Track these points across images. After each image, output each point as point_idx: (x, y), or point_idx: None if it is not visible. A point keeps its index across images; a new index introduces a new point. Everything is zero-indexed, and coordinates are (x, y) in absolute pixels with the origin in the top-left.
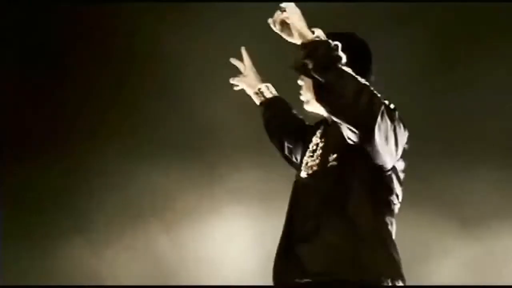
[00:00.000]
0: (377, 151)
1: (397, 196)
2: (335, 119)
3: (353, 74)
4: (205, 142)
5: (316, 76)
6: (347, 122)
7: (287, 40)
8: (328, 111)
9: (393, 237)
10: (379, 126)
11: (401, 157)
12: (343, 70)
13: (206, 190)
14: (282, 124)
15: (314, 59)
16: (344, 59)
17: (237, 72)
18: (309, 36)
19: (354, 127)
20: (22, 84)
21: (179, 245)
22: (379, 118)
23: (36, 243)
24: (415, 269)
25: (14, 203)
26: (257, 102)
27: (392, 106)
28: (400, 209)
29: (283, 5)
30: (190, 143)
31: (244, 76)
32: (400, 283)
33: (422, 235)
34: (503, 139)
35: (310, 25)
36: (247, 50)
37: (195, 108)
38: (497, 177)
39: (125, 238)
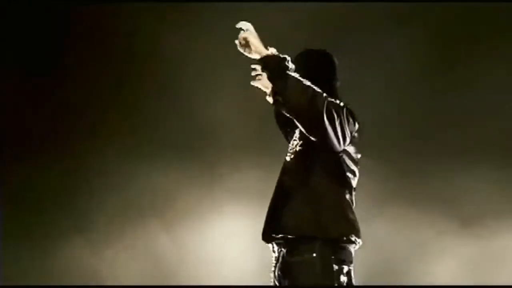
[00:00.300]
0: (322, 139)
1: (352, 172)
2: (289, 116)
3: (301, 80)
4: (205, 142)
5: (272, 84)
6: (297, 120)
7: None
8: (283, 111)
9: (352, 204)
10: (321, 122)
11: (353, 143)
12: (290, 78)
13: (206, 190)
14: (288, 119)
15: (268, 70)
16: (292, 68)
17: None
18: (263, 52)
19: (301, 124)
20: (22, 84)
21: (179, 245)
22: (323, 115)
23: (36, 242)
24: (414, 267)
25: (14, 203)
26: (271, 101)
27: (341, 104)
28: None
29: (240, 25)
30: (190, 143)
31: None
32: (356, 239)
33: (421, 234)
34: (502, 139)
35: (311, 25)
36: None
37: (195, 108)
38: (496, 177)
39: (125, 237)
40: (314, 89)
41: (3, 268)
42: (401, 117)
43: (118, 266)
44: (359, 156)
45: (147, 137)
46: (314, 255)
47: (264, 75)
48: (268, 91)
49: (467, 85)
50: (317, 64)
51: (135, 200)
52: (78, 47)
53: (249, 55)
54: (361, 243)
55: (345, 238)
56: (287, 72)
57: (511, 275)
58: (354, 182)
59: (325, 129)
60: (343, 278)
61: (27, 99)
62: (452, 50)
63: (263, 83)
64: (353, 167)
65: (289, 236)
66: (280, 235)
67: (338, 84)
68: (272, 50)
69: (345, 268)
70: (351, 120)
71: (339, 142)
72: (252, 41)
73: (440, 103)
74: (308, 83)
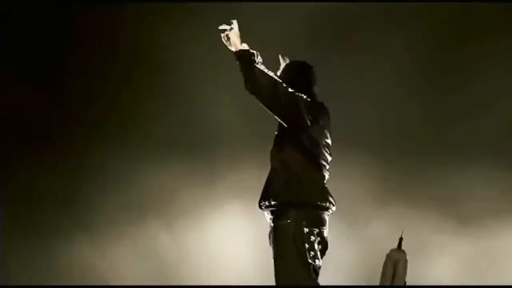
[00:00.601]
0: (284, 121)
1: (319, 152)
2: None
3: (265, 72)
4: (205, 142)
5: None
6: (262, 103)
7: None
8: (253, 94)
9: (323, 178)
10: (279, 106)
11: (315, 128)
12: (256, 69)
13: (206, 189)
14: None
15: (239, 62)
16: (259, 62)
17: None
18: (238, 47)
19: (265, 106)
20: (24, 84)
21: (180, 243)
22: (280, 100)
23: (38, 241)
24: (413, 265)
25: (17, 203)
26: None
27: (303, 96)
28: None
29: (223, 26)
30: (190, 143)
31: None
32: (325, 204)
33: (420, 232)
34: (499, 139)
35: (311, 26)
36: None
37: (195, 108)
38: (494, 177)
39: (127, 236)
40: (275, 79)
41: (7, 266)
42: (400, 118)
43: (119, 263)
44: (328, 140)
45: (148, 137)
46: (289, 221)
47: (232, 36)
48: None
49: (465, 86)
50: (297, 72)
51: (136, 199)
52: (80, 49)
53: (230, 48)
54: (334, 209)
55: (314, 204)
56: (254, 64)
57: (508, 273)
58: (323, 161)
59: (283, 112)
60: (313, 238)
61: (29, 99)
62: (451, 51)
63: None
64: (319, 148)
65: (272, 203)
66: (264, 202)
67: (315, 88)
68: (245, 46)
69: (316, 230)
70: (309, 108)
71: (298, 125)
72: (232, 37)
73: (439, 104)
74: (271, 74)
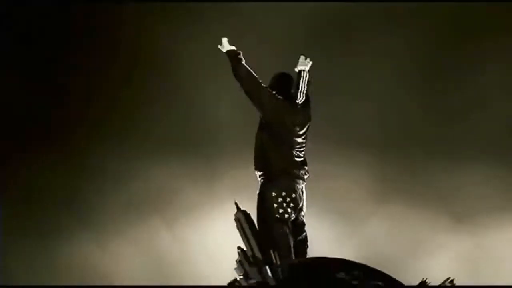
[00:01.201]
0: (258, 109)
1: (287, 136)
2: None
3: (246, 67)
4: (205, 141)
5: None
6: (244, 91)
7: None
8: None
9: (292, 155)
10: (251, 96)
11: (280, 117)
12: (241, 65)
13: (207, 187)
14: None
15: (229, 59)
16: (242, 59)
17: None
18: (228, 48)
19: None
20: (26, 84)
21: (180, 240)
22: (252, 92)
23: (40, 241)
24: (410, 262)
25: (18, 203)
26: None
27: (272, 92)
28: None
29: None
30: (191, 142)
31: None
32: (292, 171)
33: (418, 230)
34: (496, 139)
35: (312, 26)
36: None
37: (196, 109)
38: (490, 176)
39: (128, 233)
40: (252, 74)
41: (8, 266)
42: (400, 118)
43: (121, 260)
44: (297, 128)
45: (148, 137)
46: (263, 189)
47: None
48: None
49: (464, 86)
50: (278, 80)
51: (137, 197)
52: (80, 49)
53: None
54: (304, 176)
55: (282, 172)
56: (240, 61)
57: (503, 269)
58: (288, 142)
59: (254, 103)
60: (281, 200)
61: (29, 99)
62: (450, 51)
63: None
64: (284, 132)
65: (257, 175)
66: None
67: (293, 90)
68: (233, 47)
69: (283, 193)
70: (269, 99)
71: (263, 113)
72: (223, 42)
73: (438, 104)
74: (250, 70)
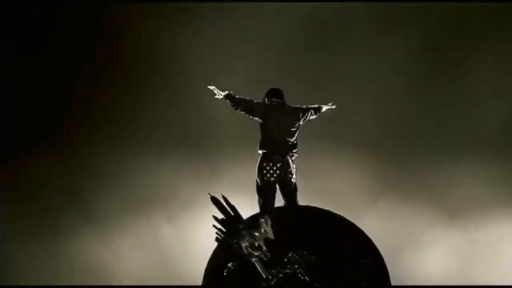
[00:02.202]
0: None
1: (267, 128)
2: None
3: (238, 98)
4: (205, 139)
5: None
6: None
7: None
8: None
9: (271, 139)
10: (246, 109)
11: (258, 115)
12: (236, 102)
13: (206, 183)
14: None
15: (228, 100)
16: (235, 97)
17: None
18: (224, 94)
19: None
20: (32, 83)
21: (181, 234)
22: (245, 108)
23: (47, 234)
24: (406, 256)
25: (28, 198)
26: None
27: (251, 102)
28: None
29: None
30: (191, 140)
31: None
32: (271, 150)
33: (412, 225)
34: (486, 138)
35: (310, 27)
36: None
37: (196, 108)
38: (482, 173)
39: (131, 228)
40: (244, 99)
41: (18, 258)
42: (394, 117)
43: (124, 254)
44: (281, 123)
45: (151, 134)
46: (259, 162)
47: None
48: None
49: (459, 86)
50: (269, 92)
51: (139, 193)
52: (85, 48)
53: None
54: (289, 153)
55: (270, 150)
56: (235, 98)
57: (494, 264)
58: (280, 131)
59: (248, 112)
60: (265, 171)
61: (34, 99)
62: (445, 51)
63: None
64: (267, 126)
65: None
66: None
67: (269, 100)
68: (226, 91)
69: (270, 164)
70: (260, 105)
71: (255, 114)
72: (214, 91)
73: (433, 104)
74: (242, 98)
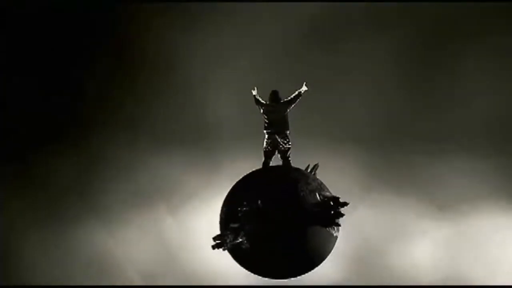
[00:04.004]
0: None
1: (265, 121)
2: None
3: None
4: (206, 135)
5: None
6: None
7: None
8: None
9: (266, 127)
10: None
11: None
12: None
13: (208, 177)
14: None
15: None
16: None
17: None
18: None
19: None
20: (43, 82)
21: (183, 225)
22: None
23: (57, 224)
24: (397, 247)
25: (38, 190)
26: None
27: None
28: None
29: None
30: (193, 136)
31: None
32: (265, 131)
33: (403, 217)
34: (472, 133)
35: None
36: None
37: (198, 106)
38: (470, 167)
39: (136, 219)
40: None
41: (29, 245)
42: (385, 113)
43: (129, 244)
44: (271, 115)
45: (155, 131)
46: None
47: None
48: None
49: (446, 85)
50: (270, 94)
51: (144, 186)
52: (92, 49)
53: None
54: (281, 134)
55: (269, 132)
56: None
57: (481, 254)
58: (273, 120)
59: None
60: (266, 144)
61: (48, 97)
62: (433, 51)
63: None
64: (267, 115)
65: None
66: None
67: (269, 100)
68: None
69: (269, 141)
70: (260, 103)
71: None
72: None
73: (421, 102)
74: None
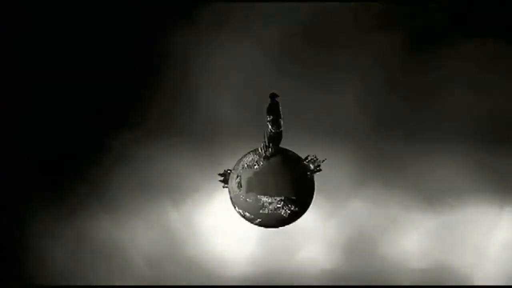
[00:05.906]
0: None
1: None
2: None
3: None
4: (209, 132)
5: None
6: None
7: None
8: None
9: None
10: None
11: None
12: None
13: (210, 172)
14: None
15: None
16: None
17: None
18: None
19: None
20: (52, 82)
21: (187, 218)
22: None
23: (67, 217)
24: (386, 238)
25: (46, 183)
26: None
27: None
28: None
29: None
30: (197, 133)
31: None
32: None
33: (392, 210)
34: (462, 128)
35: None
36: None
37: (202, 105)
38: (457, 162)
39: (142, 212)
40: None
41: (40, 236)
42: (375, 108)
43: (136, 236)
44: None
45: (162, 128)
46: None
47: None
48: None
49: (434, 80)
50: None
51: (150, 180)
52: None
53: None
54: (276, 125)
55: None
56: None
57: (467, 245)
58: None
59: None
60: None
61: (60, 93)
62: (422, 51)
63: None
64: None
65: None
66: None
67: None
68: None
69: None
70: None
71: None
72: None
73: (409, 96)
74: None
